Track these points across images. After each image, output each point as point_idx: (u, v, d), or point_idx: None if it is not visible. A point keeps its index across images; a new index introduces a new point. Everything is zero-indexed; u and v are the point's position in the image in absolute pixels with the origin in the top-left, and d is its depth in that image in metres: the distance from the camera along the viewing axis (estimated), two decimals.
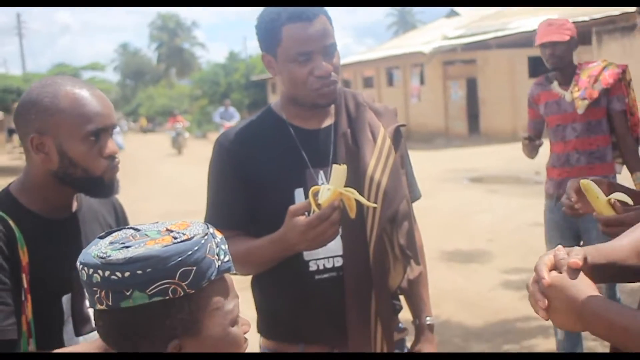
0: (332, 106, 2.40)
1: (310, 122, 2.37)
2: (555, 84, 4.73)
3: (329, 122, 2.40)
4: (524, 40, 20.40)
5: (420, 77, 28.45)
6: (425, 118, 27.53)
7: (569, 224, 4.64)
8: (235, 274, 1.47)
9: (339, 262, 2.29)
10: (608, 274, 1.51)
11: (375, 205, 2.23)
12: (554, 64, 4.60)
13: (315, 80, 2.24)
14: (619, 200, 2.03)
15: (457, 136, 25.76)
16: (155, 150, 31.42)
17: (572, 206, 2.27)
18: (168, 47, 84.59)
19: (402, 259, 2.34)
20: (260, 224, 2.29)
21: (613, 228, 2.00)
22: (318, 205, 2.06)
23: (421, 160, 16.64)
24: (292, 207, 2.12)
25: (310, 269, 2.28)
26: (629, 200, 2.02)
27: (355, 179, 2.25)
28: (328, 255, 2.29)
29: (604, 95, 4.55)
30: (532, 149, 4.79)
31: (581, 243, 4.53)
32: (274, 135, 2.36)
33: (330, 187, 2.06)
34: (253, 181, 2.30)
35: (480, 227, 10.06)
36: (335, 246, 2.27)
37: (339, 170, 2.08)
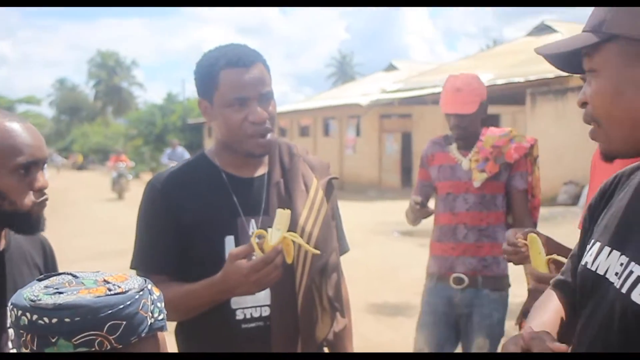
0: (267, 156, 2.40)
1: (243, 170, 2.37)
2: (453, 146, 4.09)
3: (262, 171, 2.39)
4: None
5: (356, 129, 28.70)
6: (359, 169, 27.70)
7: (448, 310, 4.01)
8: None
9: (266, 311, 2.27)
10: None
11: (317, 252, 2.22)
12: (459, 134, 3.99)
13: (249, 125, 2.24)
14: (556, 261, 2.06)
15: (390, 189, 25.95)
16: (91, 189, 30.53)
17: (516, 251, 2.28)
18: (106, 84, 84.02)
19: (329, 310, 2.34)
20: (189, 269, 2.26)
21: (543, 286, 2.03)
22: (261, 250, 2.06)
23: (353, 211, 16.70)
24: (233, 251, 2.09)
25: (237, 317, 2.26)
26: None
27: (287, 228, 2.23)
28: (256, 304, 2.27)
29: (506, 169, 3.94)
30: (419, 216, 3.99)
31: (457, 337, 4.11)
32: (207, 181, 2.34)
33: (277, 229, 2.07)
34: (184, 226, 2.27)
35: (409, 280, 10.07)
36: (263, 295, 2.25)
37: (284, 215, 2.10)
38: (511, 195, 3.97)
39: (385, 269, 11.01)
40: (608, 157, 1.45)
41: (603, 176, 2.27)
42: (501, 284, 3.98)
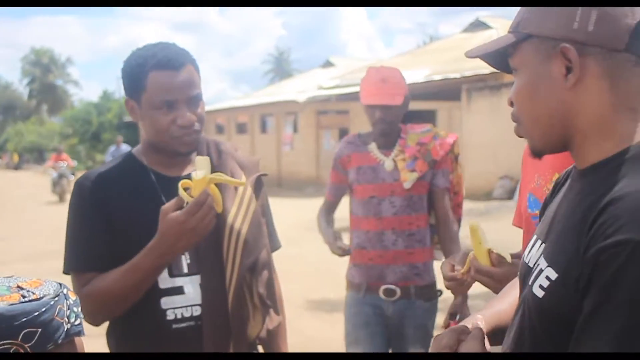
0: (195, 153, 2.37)
1: (171, 169, 2.34)
2: (373, 145, 3.78)
3: (190, 169, 2.35)
4: (408, 91, 20.88)
5: (293, 126, 28.71)
6: (297, 166, 27.72)
7: (380, 320, 3.73)
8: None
9: (197, 311, 2.24)
10: (498, 338, 1.57)
11: (243, 182, 2.26)
12: (383, 130, 3.69)
13: (177, 129, 2.22)
14: (499, 254, 2.07)
15: None
16: (27, 189, 29.75)
17: (461, 282, 2.24)
18: (40, 82, 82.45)
19: (261, 308, 2.32)
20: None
21: (481, 277, 2.08)
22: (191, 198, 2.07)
23: (291, 208, 16.70)
24: (164, 206, 2.10)
25: (168, 317, 2.23)
26: (508, 257, 2.07)
27: (216, 226, 2.22)
28: (186, 304, 2.24)
29: (431, 167, 3.71)
30: (338, 254, 3.62)
31: (389, 350, 3.83)
32: (135, 180, 2.31)
33: (200, 170, 2.08)
34: (114, 225, 2.24)
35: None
36: (194, 295, 2.23)
37: (203, 160, 2.11)
38: (434, 195, 3.74)
39: (323, 266, 11.01)
40: (535, 154, 1.48)
41: (532, 171, 2.30)
42: (433, 292, 3.79)
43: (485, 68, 21.33)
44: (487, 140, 18.04)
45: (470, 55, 1.51)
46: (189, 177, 2.31)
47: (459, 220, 3.90)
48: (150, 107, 2.21)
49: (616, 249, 1.15)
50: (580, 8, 1.31)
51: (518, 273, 1.59)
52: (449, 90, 21.45)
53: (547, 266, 1.33)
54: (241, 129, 33.44)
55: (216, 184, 2.13)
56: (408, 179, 3.66)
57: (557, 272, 1.29)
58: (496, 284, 2.04)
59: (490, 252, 2.09)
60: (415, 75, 22.59)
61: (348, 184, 3.83)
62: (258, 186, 2.46)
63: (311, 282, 9.52)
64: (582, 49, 1.31)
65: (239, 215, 2.31)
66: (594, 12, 1.30)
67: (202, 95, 2.29)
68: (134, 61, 2.24)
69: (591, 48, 1.31)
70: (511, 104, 1.46)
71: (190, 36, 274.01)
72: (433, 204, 3.76)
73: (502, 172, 18.27)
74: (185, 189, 2.09)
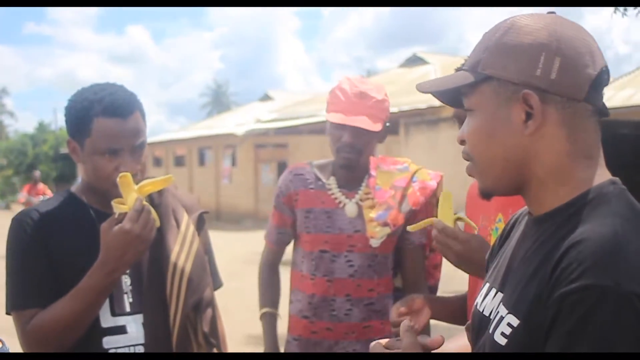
0: None
1: (111, 206, 2.28)
2: (332, 182, 2.88)
3: None
4: None
5: (232, 159, 28.63)
6: (235, 199, 27.60)
7: None
8: None
9: (140, 350, 2.20)
10: None
11: (171, 177, 2.21)
12: (349, 161, 2.79)
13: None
14: (469, 223, 2.09)
15: (266, 218, 25.70)
16: None
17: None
18: None
19: (205, 347, 2.29)
20: None
21: (445, 238, 2.04)
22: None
23: (230, 242, 16.58)
24: (104, 224, 2.08)
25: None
26: (475, 228, 2.07)
27: (159, 265, 2.20)
28: (129, 343, 2.19)
29: (407, 219, 2.81)
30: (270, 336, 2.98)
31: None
32: (76, 218, 2.26)
33: (129, 189, 2.08)
34: (56, 261, 2.18)
35: (287, 311, 10.06)
36: (137, 334, 2.19)
37: (126, 176, 2.09)
38: (405, 252, 2.90)
39: None
40: (484, 195, 1.48)
41: (476, 212, 2.30)
42: None
43: (422, 102, 21.64)
44: None
45: (422, 90, 1.50)
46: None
47: (434, 287, 3.06)
48: (93, 152, 2.17)
49: (581, 294, 1.15)
50: (543, 53, 1.30)
51: (470, 322, 1.56)
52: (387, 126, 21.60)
53: (508, 313, 1.31)
54: (179, 161, 33.20)
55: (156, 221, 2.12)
56: (377, 235, 2.79)
57: (519, 319, 1.28)
58: (460, 248, 2.01)
59: (459, 219, 2.08)
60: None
61: (293, 228, 2.97)
62: (200, 224, 2.44)
63: (250, 316, 9.42)
64: (544, 96, 1.30)
65: (182, 253, 2.28)
66: (557, 59, 1.29)
67: (145, 142, 2.25)
68: (79, 104, 2.19)
69: (552, 96, 1.30)
70: (461, 142, 1.45)
71: (127, 67, 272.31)
72: (402, 264, 2.93)
73: None
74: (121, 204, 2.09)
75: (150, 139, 34.50)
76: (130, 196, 2.07)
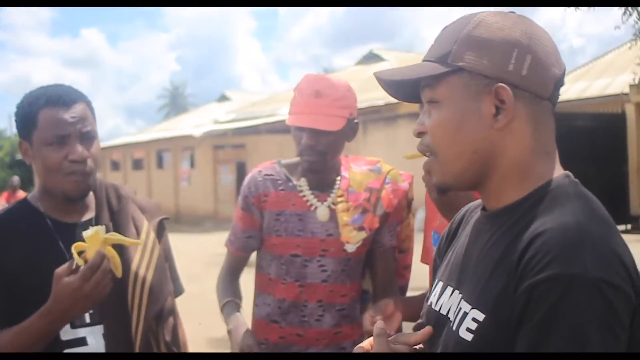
0: (93, 199, 2.30)
1: (69, 215, 2.25)
2: (302, 183, 2.72)
3: (89, 215, 2.28)
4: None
5: (190, 160, 28.51)
6: (194, 201, 27.48)
7: None
8: None
9: None
10: None
11: (140, 242, 2.16)
12: (312, 164, 2.64)
13: (69, 165, 2.13)
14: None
15: (226, 219, 25.82)
16: None
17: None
18: None
19: None
20: (18, 322, 2.08)
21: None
22: (85, 262, 1.95)
23: (190, 244, 16.48)
24: (58, 270, 1.96)
25: None
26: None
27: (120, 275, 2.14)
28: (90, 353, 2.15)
29: (380, 222, 2.74)
30: (245, 345, 2.48)
31: None
32: (31, 229, 2.20)
33: (95, 230, 1.96)
34: (8, 279, 2.11)
35: (249, 313, 10.02)
36: (97, 346, 2.14)
37: (97, 229, 1.98)
38: (375, 254, 2.79)
39: None
40: (442, 190, 1.45)
41: (435, 209, 2.29)
42: None
43: (380, 99, 21.71)
44: None
45: (383, 77, 1.45)
46: (88, 223, 2.23)
47: (404, 288, 2.93)
48: (42, 143, 2.13)
49: (549, 283, 1.16)
50: (516, 49, 1.31)
51: (422, 321, 1.54)
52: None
53: (472, 308, 1.31)
54: (137, 165, 32.98)
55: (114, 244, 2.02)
56: (353, 240, 2.68)
57: (484, 313, 1.27)
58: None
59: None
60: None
61: (260, 232, 2.76)
62: (160, 231, 2.40)
63: (212, 319, 9.37)
64: (514, 92, 1.31)
65: (142, 262, 2.24)
66: (528, 56, 1.31)
67: (96, 134, 2.22)
68: (25, 101, 2.18)
69: (522, 92, 1.32)
70: (418, 134, 1.43)
71: (82, 71, 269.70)
72: (372, 267, 2.82)
73: None
74: (80, 253, 1.97)
75: (107, 142, 34.22)
76: (92, 249, 1.96)
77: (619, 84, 18.42)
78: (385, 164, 2.87)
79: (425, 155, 1.46)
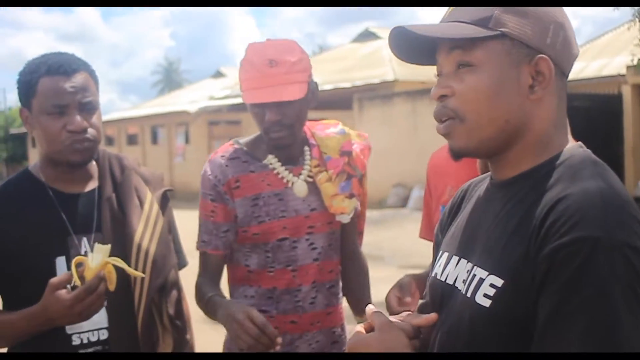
0: (96, 169, 2.28)
1: (72, 185, 2.23)
2: (272, 159, 2.49)
3: (92, 185, 2.27)
4: None
5: (185, 136, 28.45)
6: (189, 177, 27.40)
7: None
8: None
9: (104, 334, 2.16)
10: None
11: (143, 275, 2.13)
12: (282, 139, 2.42)
13: (68, 135, 2.11)
14: None
15: None
16: None
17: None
18: None
19: (171, 329, 2.24)
20: (18, 295, 2.11)
21: None
22: (81, 278, 1.92)
23: (185, 220, 16.45)
24: (53, 281, 1.94)
25: (74, 343, 2.13)
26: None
27: (122, 246, 2.14)
28: (92, 328, 2.14)
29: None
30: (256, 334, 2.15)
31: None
32: (32, 199, 2.19)
33: (97, 253, 1.93)
34: (9, 251, 2.11)
35: None
36: (100, 318, 2.12)
37: (103, 248, 1.95)
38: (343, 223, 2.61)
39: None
40: (459, 154, 1.42)
41: (442, 183, 2.28)
42: None
43: (375, 77, 21.66)
44: (380, 148, 18.18)
45: (416, 30, 1.36)
46: (92, 194, 2.23)
47: (361, 236, 2.81)
48: (41, 112, 2.13)
49: (574, 246, 1.16)
50: (552, 24, 1.34)
51: (426, 300, 1.53)
52: (340, 100, 21.63)
53: (489, 274, 1.30)
54: (132, 140, 32.90)
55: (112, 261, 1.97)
56: (347, 209, 2.53)
57: (503, 279, 1.27)
58: None
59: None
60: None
61: (236, 223, 2.48)
62: (164, 202, 2.38)
63: None
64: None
65: (146, 234, 2.22)
66: (562, 32, 1.35)
67: (97, 104, 2.20)
68: (27, 69, 2.17)
69: (555, 67, 1.34)
70: (440, 97, 1.39)
71: (75, 46, 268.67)
72: (341, 235, 2.64)
73: (395, 180, 18.52)
74: (78, 265, 1.94)
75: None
76: (93, 269, 1.92)
77: (615, 65, 18.38)
78: (342, 124, 2.70)
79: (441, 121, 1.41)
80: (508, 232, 1.31)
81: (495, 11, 1.34)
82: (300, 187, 2.48)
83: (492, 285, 1.29)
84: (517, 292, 1.24)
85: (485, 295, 1.30)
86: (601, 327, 1.14)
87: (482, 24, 1.34)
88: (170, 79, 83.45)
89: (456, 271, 1.43)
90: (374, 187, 20.58)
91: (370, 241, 7.33)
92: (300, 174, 2.50)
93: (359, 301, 2.60)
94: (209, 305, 2.37)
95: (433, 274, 1.53)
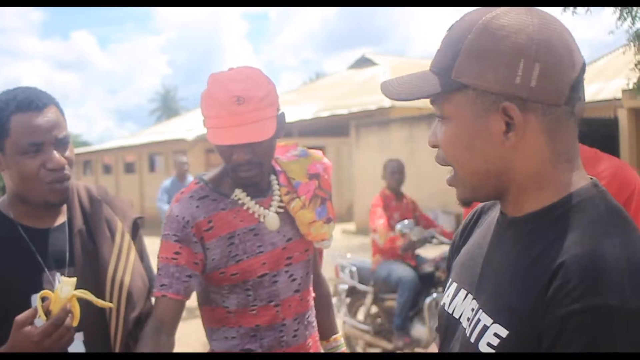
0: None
1: (41, 220, 2.18)
2: (240, 194, 2.36)
3: (62, 219, 2.22)
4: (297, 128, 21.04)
5: None
6: None
7: None
8: None
9: None
10: None
11: (111, 305, 2.07)
12: (253, 178, 2.30)
13: (47, 173, 2.07)
14: None
15: None
16: None
17: None
18: None
19: None
20: None
21: None
22: (48, 313, 1.87)
23: None
24: (19, 318, 1.87)
25: None
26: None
27: (96, 280, 2.11)
28: None
29: None
30: None
31: None
32: (3, 237, 2.13)
33: (65, 286, 1.89)
34: None
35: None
36: (79, 351, 2.09)
37: (69, 280, 1.91)
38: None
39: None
40: (465, 203, 1.40)
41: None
42: None
43: (372, 104, 21.71)
44: (377, 175, 18.19)
45: (389, 96, 1.36)
46: (62, 228, 2.19)
47: (320, 255, 2.77)
48: (16, 152, 2.06)
49: (586, 315, 1.10)
50: (522, 58, 1.21)
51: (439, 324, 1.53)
52: (337, 126, 21.68)
53: (493, 323, 1.26)
54: (129, 168, 32.87)
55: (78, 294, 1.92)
56: (327, 234, 2.46)
57: (507, 329, 1.23)
58: None
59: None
60: (303, 111, 22.71)
61: (202, 271, 2.30)
62: (135, 231, 2.35)
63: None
64: (524, 105, 1.23)
65: (119, 265, 2.19)
66: (537, 65, 1.22)
67: (69, 138, 2.16)
68: None
69: (532, 104, 1.24)
70: (434, 145, 1.37)
71: (73, 74, 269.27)
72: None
73: None
74: (43, 299, 1.90)
75: (99, 145, 34.13)
76: (58, 302, 1.87)
77: (611, 89, 18.44)
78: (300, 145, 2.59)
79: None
80: (516, 280, 1.25)
81: (457, 60, 1.26)
82: (272, 221, 2.36)
83: (496, 335, 1.25)
84: (522, 346, 1.20)
85: (489, 345, 1.26)
86: None
87: (445, 74, 1.29)
88: (167, 106, 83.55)
89: (462, 306, 1.40)
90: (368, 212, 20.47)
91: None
92: (270, 205, 2.39)
93: (327, 324, 2.64)
94: None
95: (442, 303, 1.50)
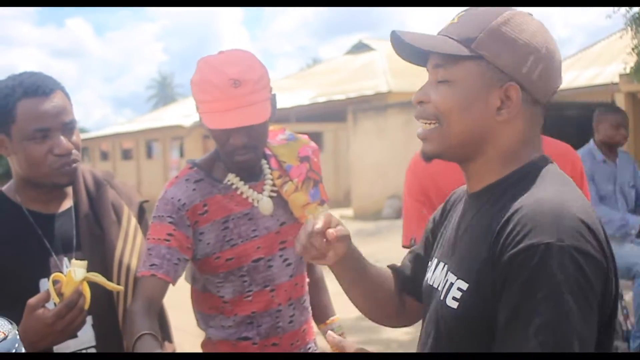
0: (70, 187, 2.24)
1: (48, 205, 2.20)
2: (233, 179, 2.36)
3: (68, 204, 2.24)
4: (294, 114, 21.08)
5: (180, 150, 28.40)
6: None
7: None
8: None
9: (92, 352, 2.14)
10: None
11: (121, 288, 2.10)
12: (249, 161, 2.30)
13: (55, 159, 2.08)
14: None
15: None
16: None
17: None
18: None
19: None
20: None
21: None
22: (60, 295, 1.89)
23: None
24: (31, 301, 1.88)
25: None
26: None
27: (103, 264, 2.12)
28: (80, 347, 2.12)
29: None
30: None
31: None
32: (10, 222, 2.14)
33: (77, 268, 1.91)
34: None
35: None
36: (87, 337, 2.11)
37: (80, 263, 1.94)
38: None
39: None
40: (430, 157, 1.55)
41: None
42: None
43: (369, 89, 21.69)
44: (374, 160, 18.23)
45: (404, 38, 1.50)
46: (68, 213, 2.20)
47: None
48: (23, 138, 2.07)
49: (528, 252, 1.29)
50: (533, 55, 1.44)
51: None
52: (334, 112, 21.67)
53: (457, 279, 1.46)
54: (126, 155, 32.87)
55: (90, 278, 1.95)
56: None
57: (467, 282, 1.43)
58: None
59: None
60: (300, 97, 22.69)
61: (196, 252, 2.31)
62: (141, 215, 2.37)
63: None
64: (522, 93, 1.45)
65: (126, 249, 2.21)
66: (541, 64, 1.45)
67: (76, 122, 2.17)
68: (0, 92, 2.09)
69: (527, 94, 1.46)
70: (420, 103, 1.53)
71: (69, 62, 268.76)
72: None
73: (390, 191, 18.49)
74: (55, 282, 1.92)
75: (96, 132, 34.08)
76: (70, 285, 1.89)
77: (608, 73, 18.42)
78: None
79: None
80: (474, 240, 1.45)
81: (481, 34, 1.45)
82: (265, 205, 2.35)
83: (459, 289, 1.44)
84: (480, 295, 1.39)
85: (454, 298, 1.45)
86: (554, 324, 1.24)
87: (465, 43, 1.46)
88: (164, 93, 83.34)
89: (440, 276, 1.56)
90: (369, 198, 20.47)
91: (366, 252, 7.28)
92: (263, 190, 2.38)
93: (323, 307, 2.65)
94: (138, 346, 2.01)
95: (426, 278, 1.67)
